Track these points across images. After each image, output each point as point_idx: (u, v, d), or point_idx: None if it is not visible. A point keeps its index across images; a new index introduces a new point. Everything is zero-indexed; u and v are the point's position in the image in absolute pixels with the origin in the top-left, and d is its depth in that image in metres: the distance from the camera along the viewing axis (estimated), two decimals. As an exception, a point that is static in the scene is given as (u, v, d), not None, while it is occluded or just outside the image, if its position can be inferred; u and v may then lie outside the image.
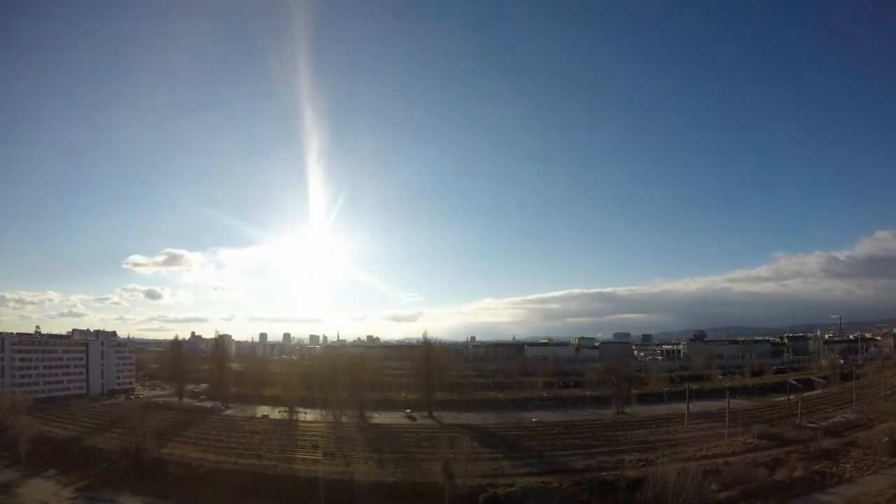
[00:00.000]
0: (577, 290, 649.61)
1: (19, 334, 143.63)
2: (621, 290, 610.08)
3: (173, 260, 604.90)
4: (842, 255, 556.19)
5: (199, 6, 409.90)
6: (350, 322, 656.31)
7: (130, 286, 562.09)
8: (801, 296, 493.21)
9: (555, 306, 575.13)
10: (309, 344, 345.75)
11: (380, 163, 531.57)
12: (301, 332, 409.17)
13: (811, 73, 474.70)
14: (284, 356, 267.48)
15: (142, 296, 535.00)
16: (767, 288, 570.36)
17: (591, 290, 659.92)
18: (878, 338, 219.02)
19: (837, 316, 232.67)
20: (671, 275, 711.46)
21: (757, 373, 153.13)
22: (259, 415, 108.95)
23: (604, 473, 57.26)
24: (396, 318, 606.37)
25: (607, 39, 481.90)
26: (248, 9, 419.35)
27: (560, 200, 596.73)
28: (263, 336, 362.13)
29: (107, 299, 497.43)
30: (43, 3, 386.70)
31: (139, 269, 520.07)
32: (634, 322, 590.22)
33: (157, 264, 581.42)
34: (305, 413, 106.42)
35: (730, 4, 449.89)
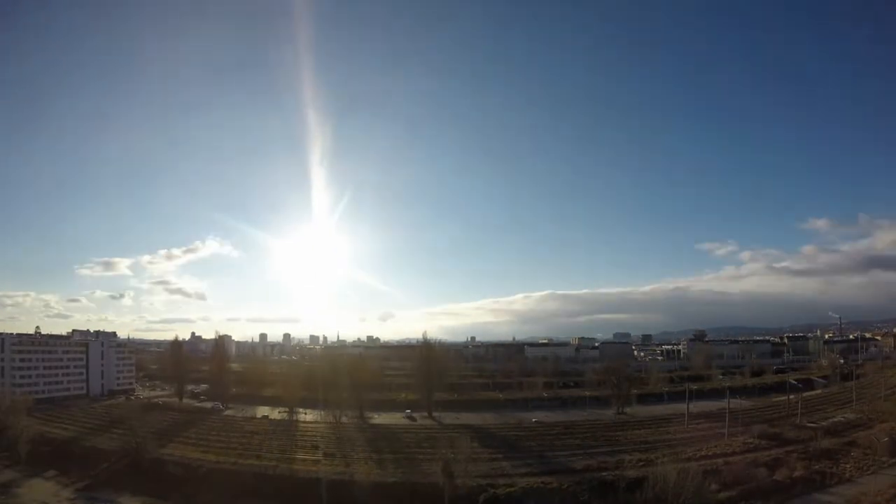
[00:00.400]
0: (559, 291, 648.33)
1: (19, 335, 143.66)
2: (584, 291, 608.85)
3: (158, 260, 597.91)
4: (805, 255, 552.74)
5: (201, 7, 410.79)
6: (324, 321, 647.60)
7: (114, 287, 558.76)
8: (799, 295, 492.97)
9: (534, 307, 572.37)
10: (309, 344, 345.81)
11: (381, 164, 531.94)
12: (276, 332, 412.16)
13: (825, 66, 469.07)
14: (284, 356, 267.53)
15: (125, 296, 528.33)
16: (733, 287, 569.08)
17: (560, 292, 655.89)
18: (878, 338, 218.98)
19: (837, 316, 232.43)
20: (629, 277, 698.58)
21: (757, 373, 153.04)
22: (259, 415, 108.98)
23: (604, 473, 57.27)
24: (363, 319, 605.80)
25: (608, 43, 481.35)
26: (251, 9, 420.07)
27: (548, 202, 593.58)
28: (263, 336, 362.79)
29: (76, 301, 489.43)
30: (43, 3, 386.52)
31: (130, 269, 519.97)
32: (615, 322, 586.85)
33: (149, 263, 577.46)
34: (305, 413, 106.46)
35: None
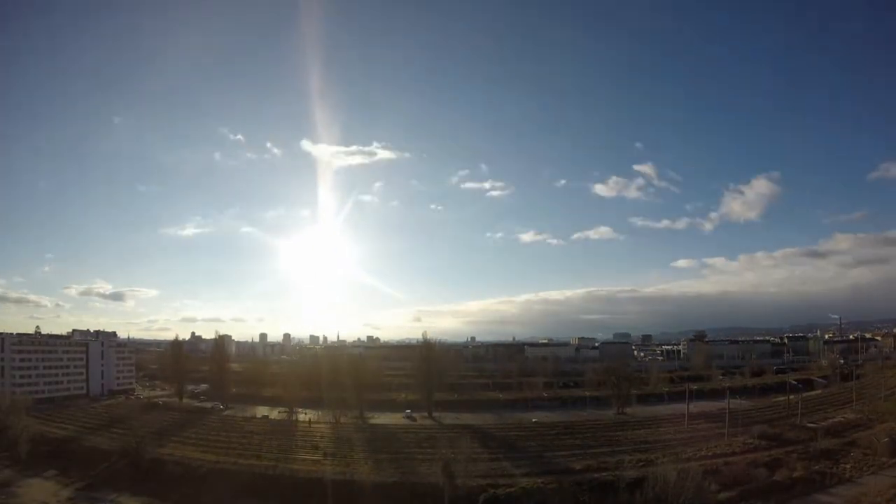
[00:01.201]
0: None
1: (19, 334, 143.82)
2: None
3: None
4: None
5: (209, 5, 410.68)
6: (324, 321, 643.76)
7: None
8: (799, 295, 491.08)
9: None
10: (309, 344, 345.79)
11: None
12: (276, 331, 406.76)
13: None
14: (284, 356, 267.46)
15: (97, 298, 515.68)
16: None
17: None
18: (878, 338, 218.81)
19: (837, 316, 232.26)
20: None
21: (757, 373, 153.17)
22: (259, 415, 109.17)
23: (604, 473, 57.14)
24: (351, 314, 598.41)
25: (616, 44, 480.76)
26: (257, 10, 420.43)
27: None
28: (263, 336, 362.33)
29: (26, 300, 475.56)
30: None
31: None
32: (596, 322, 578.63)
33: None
34: (305, 413, 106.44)
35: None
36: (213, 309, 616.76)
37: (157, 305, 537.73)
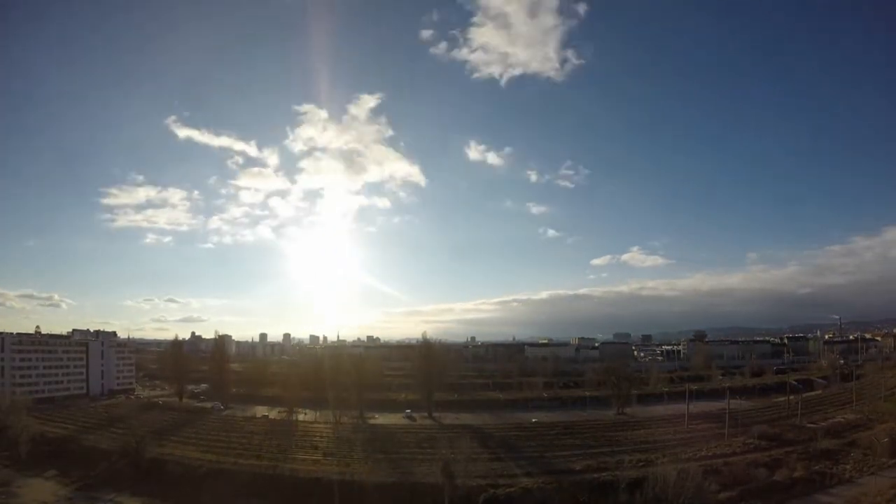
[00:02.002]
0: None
1: (19, 334, 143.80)
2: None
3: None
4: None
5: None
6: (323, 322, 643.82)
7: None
8: (799, 295, 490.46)
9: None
10: (309, 344, 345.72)
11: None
12: (276, 332, 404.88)
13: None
14: (284, 356, 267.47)
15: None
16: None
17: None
18: (878, 338, 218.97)
19: (837, 316, 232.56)
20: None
21: (757, 373, 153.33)
22: (258, 415, 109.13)
23: (604, 474, 57.09)
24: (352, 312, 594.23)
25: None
26: (260, 11, 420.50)
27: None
28: (263, 336, 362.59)
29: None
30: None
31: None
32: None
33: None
34: (305, 413, 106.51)
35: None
36: (212, 309, 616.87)
37: (157, 305, 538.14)
